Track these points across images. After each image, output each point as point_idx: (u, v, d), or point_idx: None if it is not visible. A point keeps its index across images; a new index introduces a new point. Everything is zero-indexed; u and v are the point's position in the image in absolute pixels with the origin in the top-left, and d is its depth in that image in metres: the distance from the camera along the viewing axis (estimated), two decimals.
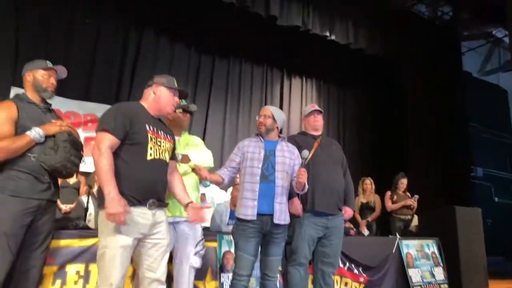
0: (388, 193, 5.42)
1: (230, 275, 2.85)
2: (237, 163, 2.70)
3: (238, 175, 2.93)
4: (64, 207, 4.42)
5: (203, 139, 4.66)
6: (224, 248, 3.08)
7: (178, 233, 2.52)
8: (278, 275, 2.85)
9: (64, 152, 2.14)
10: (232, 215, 3.65)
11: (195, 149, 2.68)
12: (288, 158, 2.68)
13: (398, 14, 7.63)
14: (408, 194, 5.41)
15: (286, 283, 2.99)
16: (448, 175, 7.93)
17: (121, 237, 1.91)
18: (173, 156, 2.28)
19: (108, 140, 1.93)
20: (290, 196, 2.75)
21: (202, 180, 3.04)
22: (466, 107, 8.93)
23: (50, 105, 2.34)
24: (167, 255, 2.12)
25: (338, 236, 2.96)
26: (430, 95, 8.29)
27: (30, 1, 5.52)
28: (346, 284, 3.68)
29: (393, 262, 4.11)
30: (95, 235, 2.55)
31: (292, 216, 2.78)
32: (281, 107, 7.64)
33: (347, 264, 3.73)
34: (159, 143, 2.10)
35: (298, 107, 8.16)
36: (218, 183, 2.82)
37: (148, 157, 2.02)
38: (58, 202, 4.10)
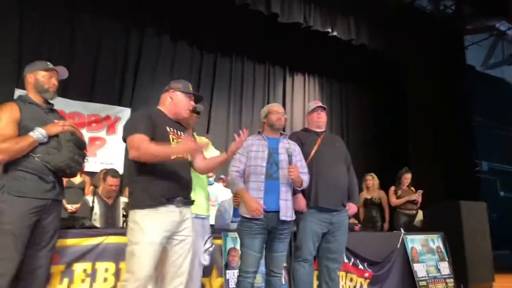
0: (392, 188, 5.40)
1: (236, 272, 2.87)
2: (244, 163, 2.72)
3: None
4: (70, 207, 4.44)
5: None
6: (229, 245, 3.10)
7: None
8: (283, 271, 2.86)
9: (67, 151, 2.16)
10: (236, 212, 3.66)
11: (203, 150, 2.69)
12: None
13: (400, 9, 7.58)
14: (413, 189, 5.39)
15: (291, 279, 3.00)
16: (452, 170, 7.90)
17: (151, 234, 1.97)
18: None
19: (144, 139, 2.00)
20: (294, 193, 2.77)
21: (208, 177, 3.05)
22: (470, 101, 8.87)
23: (53, 105, 2.36)
24: (191, 252, 2.17)
25: (342, 232, 2.97)
26: (433, 90, 8.25)
27: (33, 3, 5.55)
28: (351, 279, 3.68)
29: (398, 257, 4.11)
30: (102, 234, 2.59)
31: (297, 212, 2.79)
32: (284, 104, 7.66)
33: (352, 259, 3.73)
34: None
35: (300, 104, 8.16)
36: None
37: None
38: (64, 202, 4.13)
